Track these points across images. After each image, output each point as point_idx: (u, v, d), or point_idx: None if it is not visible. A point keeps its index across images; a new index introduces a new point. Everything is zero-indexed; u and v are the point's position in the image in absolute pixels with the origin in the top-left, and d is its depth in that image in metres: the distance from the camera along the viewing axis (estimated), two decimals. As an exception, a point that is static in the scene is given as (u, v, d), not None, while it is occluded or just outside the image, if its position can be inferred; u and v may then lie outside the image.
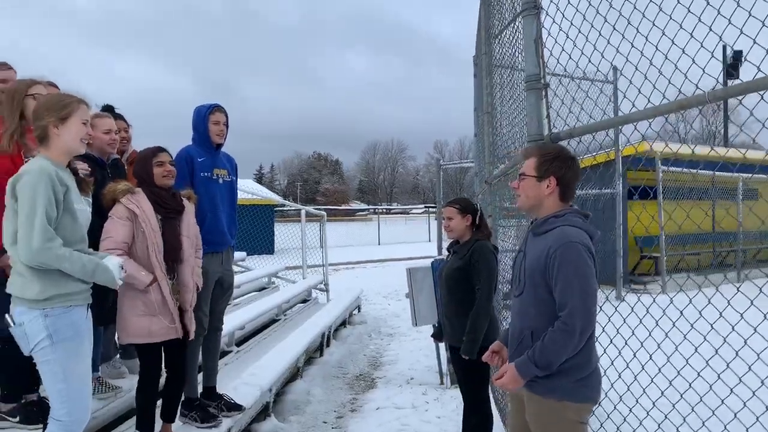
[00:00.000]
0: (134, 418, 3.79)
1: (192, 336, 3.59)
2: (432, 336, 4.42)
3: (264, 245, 19.85)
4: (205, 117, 4.05)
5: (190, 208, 3.67)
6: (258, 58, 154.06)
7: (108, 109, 4.32)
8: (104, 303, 3.44)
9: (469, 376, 3.72)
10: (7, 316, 2.49)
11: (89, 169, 3.39)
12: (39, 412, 3.26)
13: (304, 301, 9.85)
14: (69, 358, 2.51)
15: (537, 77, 3.22)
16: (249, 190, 12.51)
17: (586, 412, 2.35)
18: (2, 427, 3.21)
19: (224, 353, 6.29)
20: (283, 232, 20.24)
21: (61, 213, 2.49)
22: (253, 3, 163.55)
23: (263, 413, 5.11)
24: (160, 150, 3.57)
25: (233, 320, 6.58)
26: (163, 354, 3.46)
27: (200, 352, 4.09)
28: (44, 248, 2.39)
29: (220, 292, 4.15)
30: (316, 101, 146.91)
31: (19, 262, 2.45)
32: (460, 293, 3.68)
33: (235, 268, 10.05)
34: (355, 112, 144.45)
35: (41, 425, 3.22)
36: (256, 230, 18.91)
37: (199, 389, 4.16)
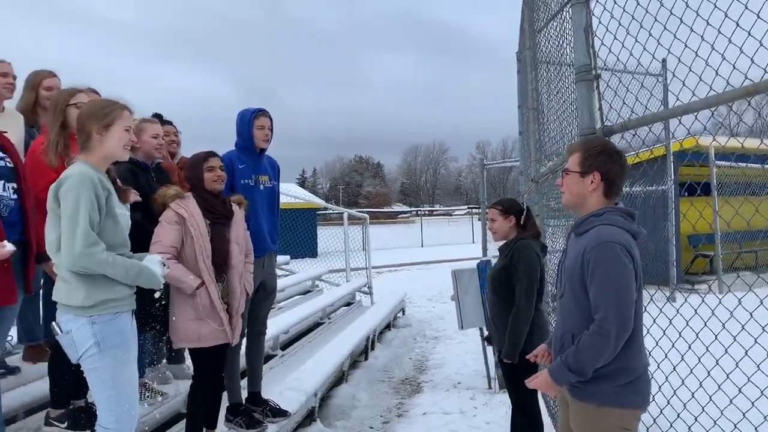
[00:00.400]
0: (179, 424, 3.79)
1: (236, 341, 3.56)
2: (485, 339, 4.31)
3: (307, 249, 19.96)
4: (249, 122, 4.01)
5: (239, 214, 3.65)
6: (299, 64, 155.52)
7: (156, 116, 4.35)
8: (149, 307, 3.43)
9: (516, 378, 3.60)
10: (54, 324, 2.48)
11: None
12: (87, 418, 3.26)
13: (348, 304, 9.81)
14: (117, 365, 2.49)
15: (588, 68, 3.07)
16: (291, 194, 12.54)
17: (632, 418, 2.24)
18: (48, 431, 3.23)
19: (269, 357, 6.28)
20: (326, 236, 20.32)
21: (103, 217, 2.47)
22: (293, 9, 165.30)
23: (309, 418, 5.06)
24: (211, 155, 3.55)
25: (278, 324, 6.56)
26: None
27: (241, 357, 4.05)
28: (87, 253, 2.37)
29: (262, 297, 4.12)
30: (357, 104, 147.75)
31: (63, 269, 2.43)
32: (504, 294, 3.60)
33: (279, 272, 10.12)
34: (396, 115, 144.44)
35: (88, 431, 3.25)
36: (299, 234, 19.01)
37: (245, 395, 4.13)
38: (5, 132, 3.15)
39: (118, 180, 2.75)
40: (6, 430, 3.00)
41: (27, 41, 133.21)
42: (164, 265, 2.70)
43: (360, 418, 5.44)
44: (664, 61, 8.64)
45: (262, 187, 4.08)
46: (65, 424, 3.22)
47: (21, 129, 3.64)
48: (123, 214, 2.63)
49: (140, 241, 3.27)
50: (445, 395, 5.91)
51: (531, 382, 2.41)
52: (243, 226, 3.67)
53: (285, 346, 6.82)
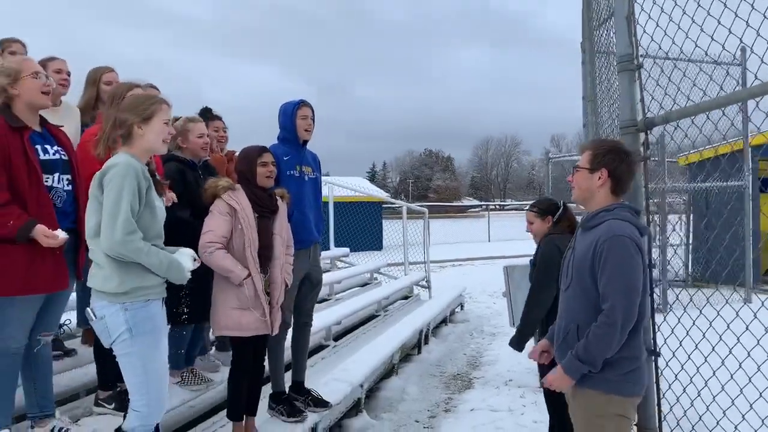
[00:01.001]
0: (224, 410, 3.91)
1: (276, 332, 3.64)
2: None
3: (373, 241, 20.09)
4: (292, 113, 4.08)
5: (283, 208, 3.73)
6: (369, 58, 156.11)
7: (206, 110, 4.48)
8: (202, 299, 3.58)
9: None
10: (88, 309, 2.61)
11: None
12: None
13: (406, 297, 9.82)
14: (148, 351, 2.60)
15: (629, 57, 2.95)
16: (353, 188, 12.63)
17: (630, 406, 2.42)
18: (101, 413, 3.40)
19: (321, 347, 6.39)
20: (392, 229, 20.37)
21: (142, 207, 2.58)
22: (365, 2, 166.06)
23: (355, 409, 5.11)
24: (265, 150, 3.65)
25: (330, 315, 6.66)
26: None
27: (284, 348, 4.12)
28: (126, 240, 2.48)
29: (308, 288, 4.18)
30: (427, 98, 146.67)
31: (99, 254, 2.55)
32: None
33: (338, 264, 10.26)
34: (467, 108, 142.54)
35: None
36: (364, 227, 19.17)
37: (289, 384, 4.21)
38: (62, 126, 3.33)
39: (156, 173, 2.86)
40: (56, 410, 3.17)
41: (106, 40, 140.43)
42: (195, 260, 2.79)
43: (407, 412, 5.45)
44: (742, 49, 8.15)
45: (306, 178, 4.13)
46: (113, 406, 3.39)
47: (77, 123, 3.83)
48: (161, 206, 2.73)
49: (188, 237, 3.39)
50: (495, 392, 5.84)
51: (546, 380, 2.52)
52: (286, 220, 3.74)
53: (338, 337, 6.91)
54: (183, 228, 3.58)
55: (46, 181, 2.94)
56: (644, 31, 2.91)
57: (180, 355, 3.97)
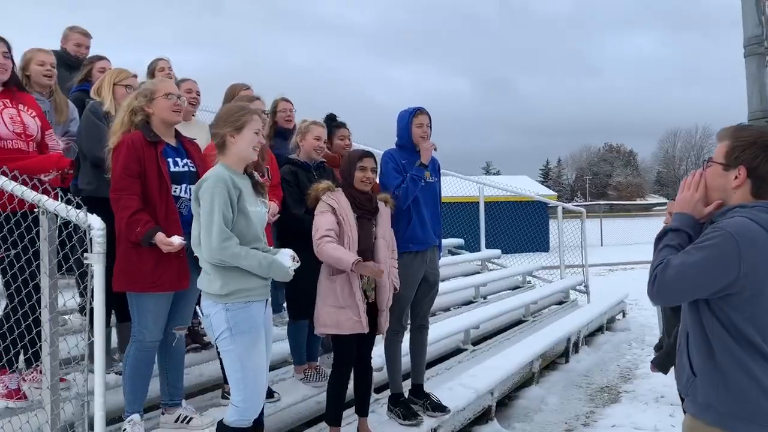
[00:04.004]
0: (351, 408, 4.04)
1: (383, 333, 3.70)
2: None
3: (539, 242, 19.45)
4: (408, 121, 4.13)
5: (385, 212, 3.78)
6: (533, 51, 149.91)
7: (331, 117, 4.67)
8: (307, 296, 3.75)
9: None
10: (197, 308, 2.87)
11: None
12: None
13: (561, 302, 9.40)
14: (246, 350, 2.78)
15: (759, 39, 2.58)
16: (503, 187, 12.23)
17: None
18: (226, 404, 3.68)
19: (459, 351, 6.35)
20: (568, 229, 19.44)
21: (236, 215, 2.77)
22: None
23: (485, 416, 5.02)
24: (367, 155, 3.73)
25: (468, 318, 6.60)
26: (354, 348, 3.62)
27: (401, 350, 4.16)
28: (222, 247, 2.69)
29: (425, 291, 4.18)
30: (601, 89, 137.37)
31: (203, 260, 2.79)
32: None
33: (489, 266, 10.11)
34: (649, 98, 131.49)
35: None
36: (529, 227, 18.66)
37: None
38: (195, 139, 3.68)
39: (255, 174, 3.04)
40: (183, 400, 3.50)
41: (277, 49, 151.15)
42: (295, 260, 2.92)
43: (542, 423, 5.24)
44: None
45: (423, 182, 4.14)
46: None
47: (208, 138, 4.20)
48: (256, 211, 2.90)
49: (304, 233, 3.63)
50: (643, 408, 5.40)
51: None
52: (389, 224, 3.78)
53: (480, 341, 6.81)
54: (299, 225, 3.84)
55: (175, 191, 3.26)
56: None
57: (301, 349, 4.18)
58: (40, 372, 3.15)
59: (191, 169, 3.40)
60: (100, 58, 4.54)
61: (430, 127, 4.18)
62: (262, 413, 3.14)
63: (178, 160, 3.36)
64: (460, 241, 10.77)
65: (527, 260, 10.99)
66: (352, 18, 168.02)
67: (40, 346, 3.03)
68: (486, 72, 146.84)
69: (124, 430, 3.15)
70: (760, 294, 1.92)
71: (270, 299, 3.00)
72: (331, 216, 3.54)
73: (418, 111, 4.15)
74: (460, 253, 10.35)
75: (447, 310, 7.74)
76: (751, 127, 2.18)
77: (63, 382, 3.23)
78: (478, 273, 9.59)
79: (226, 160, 2.89)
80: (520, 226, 17.85)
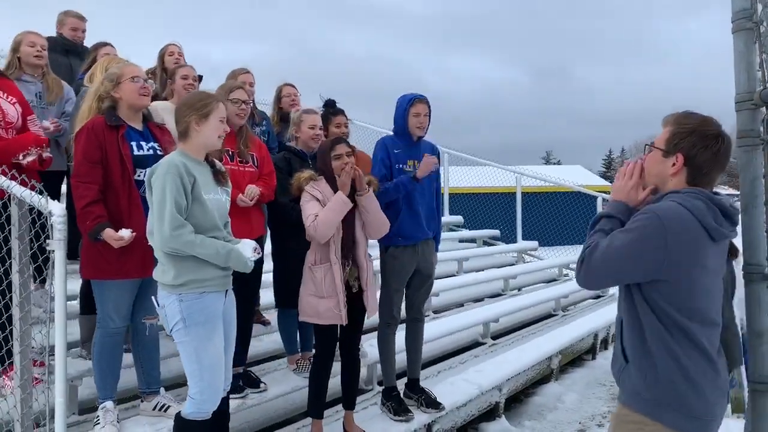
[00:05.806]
0: (339, 400, 3.96)
1: (373, 313, 3.63)
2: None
3: (583, 235, 18.83)
4: (405, 109, 3.97)
5: (369, 194, 3.64)
6: (592, 38, 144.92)
7: (329, 104, 4.57)
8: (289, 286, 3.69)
9: None
10: (153, 298, 2.83)
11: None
12: (247, 382, 3.71)
13: (598, 297, 9.03)
14: (201, 342, 2.71)
15: (747, 13, 2.32)
16: (540, 177, 11.75)
17: None
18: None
19: (477, 344, 6.19)
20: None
21: (190, 202, 2.70)
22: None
23: (493, 413, 4.86)
24: (337, 141, 3.60)
25: (488, 311, 6.42)
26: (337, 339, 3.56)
27: (394, 343, 4.05)
28: (174, 235, 2.62)
29: (418, 283, 4.04)
30: (665, 76, 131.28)
31: (157, 250, 2.74)
32: None
33: (525, 258, 9.82)
34: (715, 84, 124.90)
35: (243, 395, 3.63)
36: (578, 219, 18.08)
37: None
38: (163, 124, 3.62)
39: (217, 162, 2.97)
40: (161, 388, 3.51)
41: (336, 38, 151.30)
42: (256, 251, 2.84)
43: (554, 422, 5.03)
44: None
45: (410, 187, 3.97)
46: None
47: None
48: (214, 199, 2.82)
49: (292, 221, 3.62)
50: (664, 411, 5.09)
51: None
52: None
53: (501, 335, 6.60)
54: (283, 212, 3.81)
55: (138, 176, 3.18)
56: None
57: (292, 339, 4.13)
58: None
59: (158, 152, 3.28)
60: (105, 44, 4.58)
61: (429, 117, 4.01)
62: (227, 405, 3.09)
63: (143, 143, 3.28)
64: (496, 232, 10.50)
65: (568, 253, 10.63)
66: (405, 6, 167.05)
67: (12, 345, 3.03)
68: (540, 60, 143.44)
69: (97, 417, 3.16)
70: (689, 279, 1.86)
71: (231, 289, 2.92)
72: (317, 203, 3.46)
73: (416, 99, 3.96)
74: (495, 244, 10.11)
75: (480, 300, 7.60)
76: (695, 115, 2.05)
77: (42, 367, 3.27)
78: (513, 265, 9.32)
79: (185, 147, 2.83)
80: (562, 218, 17.30)
